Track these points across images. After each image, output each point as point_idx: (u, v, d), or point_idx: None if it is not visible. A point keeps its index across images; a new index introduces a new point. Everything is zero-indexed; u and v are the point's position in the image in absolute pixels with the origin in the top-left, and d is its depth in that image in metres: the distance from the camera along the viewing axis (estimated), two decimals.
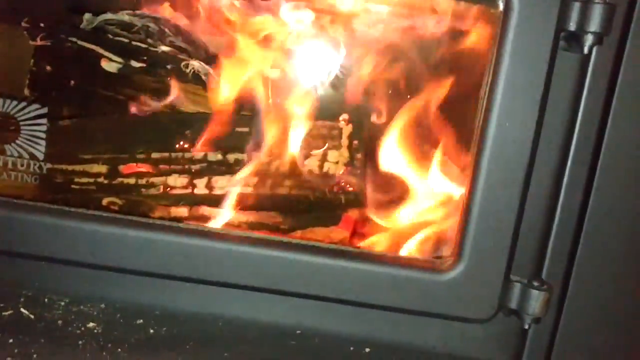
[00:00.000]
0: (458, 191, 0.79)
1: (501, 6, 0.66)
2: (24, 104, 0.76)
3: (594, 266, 0.72)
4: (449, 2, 0.77)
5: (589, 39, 0.66)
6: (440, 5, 0.79)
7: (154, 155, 0.79)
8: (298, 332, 0.74)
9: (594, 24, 0.65)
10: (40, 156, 0.77)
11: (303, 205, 0.80)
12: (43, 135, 0.76)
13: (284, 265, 0.70)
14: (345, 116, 0.81)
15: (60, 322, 0.69)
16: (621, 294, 0.73)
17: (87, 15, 0.88)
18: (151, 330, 0.71)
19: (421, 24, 0.81)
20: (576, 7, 0.66)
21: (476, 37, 0.78)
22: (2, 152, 0.76)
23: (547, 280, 0.71)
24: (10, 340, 0.65)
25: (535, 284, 0.70)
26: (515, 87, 0.67)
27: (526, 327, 0.71)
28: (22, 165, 0.77)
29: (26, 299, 0.72)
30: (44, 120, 0.76)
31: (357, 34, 0.85)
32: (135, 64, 0.82)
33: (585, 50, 0.66)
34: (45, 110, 0.76)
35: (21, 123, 0.76)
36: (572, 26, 0.66)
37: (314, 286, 0.70)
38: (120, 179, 0.79)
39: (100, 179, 0.79)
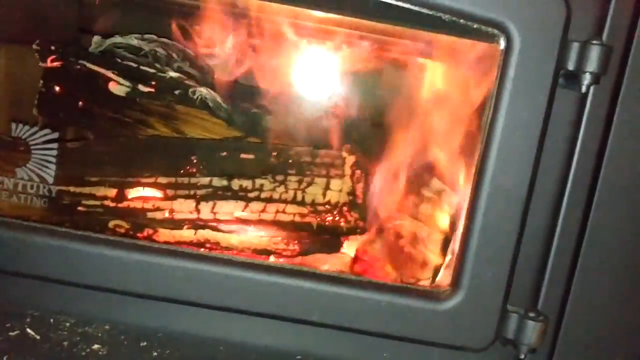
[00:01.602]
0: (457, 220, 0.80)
1: (502, 44, 0.68)
2: (35, 128, 0.77)
3: (589, 297, 0.74)
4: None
5: (586, 78, 0.68)
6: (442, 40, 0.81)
7: (160, 179, 0.80)
8: (298, 357, 0.75)
9: (592, 64, 0.68)
10: (50, 180, 0.78)
11: (306, 232, 0.81)
12: (53, 160, 0.78)
13: (285, 291, 0.71)
14: (348, 146, 0.83)
15: (65, 343, 0.70)
16: (615, 326, 0.75)
17: (95, 38, 0.90)
18: (154, 353, 0.71)
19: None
20: (575, 47, 0.68)
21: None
22: (13, 175, 0.77)
23: (543, 311, 0.73)
24: None
25: (532, 314, 0.72)
26: (514, 122, 0.69)
27: (522, 356, 0.73)
28: (31, 188, 0.78)
29: (32, 319, 0.73)
30: (55, 145, 0.78)
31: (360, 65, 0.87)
32: (143, 88, 0.84)
33: (583, 89, 0.68)
34: (56, 135, 0.78)
35: (32, 147, 0.77)
36: (570, 65, 0.68)
37: (315, 312, 0.72)
38: (126, 202, 0.80)
39: (107, 202, 0.80)
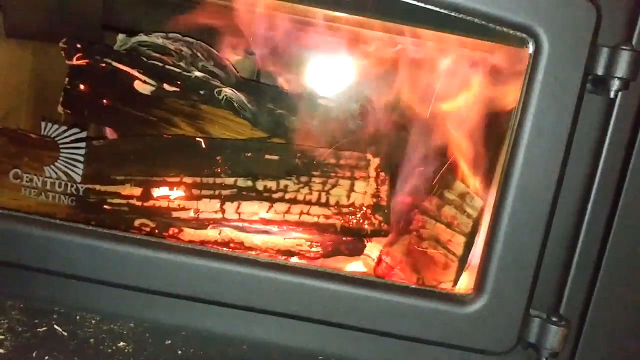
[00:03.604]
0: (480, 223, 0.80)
1: (531, 48, 0.68)
2: (64, 127, 0.78)
3: (611, 302, 0.74)
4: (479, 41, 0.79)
5: (615, 84, 0.68)
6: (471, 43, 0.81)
7: (185, 179, 0.81)
8: (320, 357, 0.76)
9: (621, 70, 0.67)
10: (78, 178, 0.79)
11: (329, 234, 0.81)
12: (81, 159, 0.78)
13: (308, 292, 0.72)
14: (373, 148, 0.83)
15: (92, 340, 0.71)
16: (638, 331, 0.75)
17: (120, 36, 0.90)
18: (179, 351, 0.72)
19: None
20: (604, 52, 0.68)
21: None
22: (42, 174, 0.78)
23: (565, 316, 0.73)
24: (46, 357, 0.67)
25: (554, 319, 0.72)
26: (542, 126, 0.68)
27: None
28: (59, 187, 0.79)
29: (59, 316, 0.74)
30: (83, 144, 0.78)
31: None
32: (168, 87, 0.84)
33: (612, 94, 0.68)
34: (84, 134, 0.78)
35: (61, 146, 0.78)
36: (599, 70, 0.68)
37: (337, 313, 0.72)
38: (151, 201, 0.81)
39: (132, 201, 0.81)
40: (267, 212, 0.80)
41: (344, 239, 0.81)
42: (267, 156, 0.81)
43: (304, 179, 0.81)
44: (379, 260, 0.84)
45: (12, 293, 0.75)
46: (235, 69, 0.91)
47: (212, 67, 0.89)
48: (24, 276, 0.75)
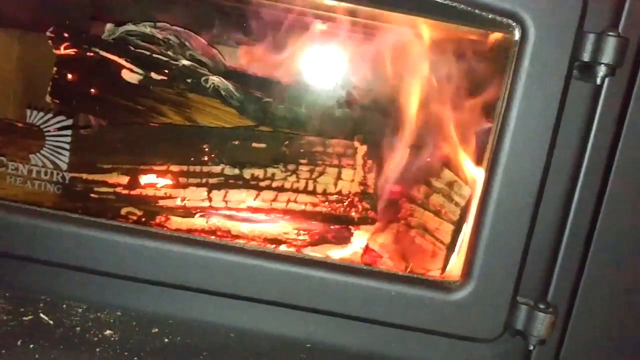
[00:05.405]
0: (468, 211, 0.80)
1: (517, 35, 0.68)
2: (49, 115, 0.77)
3: (599, 289, 0.74)
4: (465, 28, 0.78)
5: (601, 70, 0.68)
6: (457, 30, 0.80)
7: (172, 167, 0.81)
8: (308, 345, 0.76)
9: (607, 56, 0.67)
10: (64, 166, 0.78)
11: (317, 222, 0.81)
12: (67, 146, 0.78)
13: (295, 279, 0.72)
14: (360, 136, 0.82)
15: (78, 328, 0.71)
16: (625, 318, 0.75)
17: (109, 26, 0.90)
18: (166, 340, 0.72)
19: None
20: (590, 39, 0.68)
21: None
22: (27, 162, 0.78)
23: (553, 303, 0.73)
24: (31, 346, 0.67)
25: (542, 306, 0.72)
26: (528, 113, 0.68)
27: (531, 348, 0.73)
28: (45, 175, 0.79)
29: (45, 305, 0.74)
30: (69, 132, 0.78)
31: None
32: (156, 76, 0.84)
33: (598, 80, 0.68)
34: (70, 122, 0.78)
35: (46, 134, 0.78)
36: (585, 57, 0.68)
37: (325, 301, 0.72)
38: (138, 190, 0.81)
39: (119, 189, 0.80)
40: (254, 200, 0.80)
41: (331, 227, 0.81)
42: (254, 144, 0.81)
43: (291, 167, 0.81)
44: (367, 248, 0.84)
45: None
46: (223, 58, 0.91)
47: (200, 55, 0.89)
48: (10, 265, 0.74)
